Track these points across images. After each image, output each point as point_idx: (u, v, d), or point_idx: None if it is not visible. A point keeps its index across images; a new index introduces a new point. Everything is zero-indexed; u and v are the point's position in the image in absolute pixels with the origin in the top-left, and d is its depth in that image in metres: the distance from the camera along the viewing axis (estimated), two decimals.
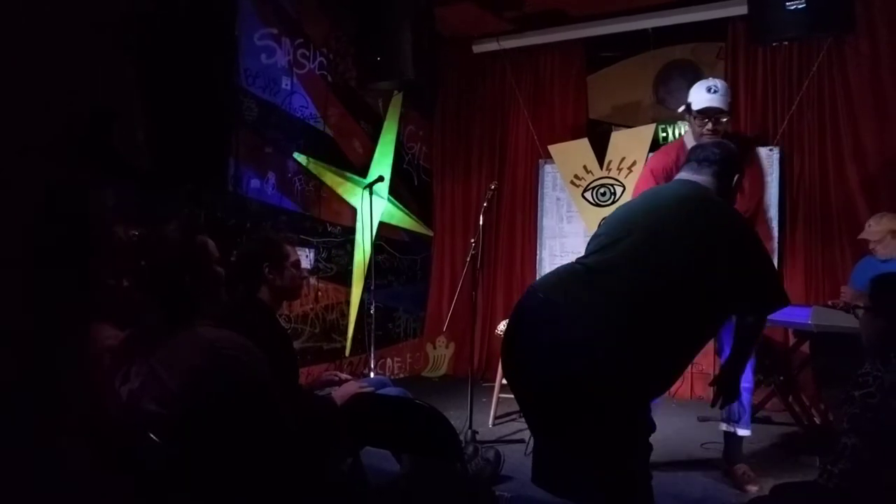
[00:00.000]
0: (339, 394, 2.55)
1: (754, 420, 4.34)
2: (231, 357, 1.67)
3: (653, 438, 4.07)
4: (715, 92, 3.10)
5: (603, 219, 2.47)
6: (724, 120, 3.15)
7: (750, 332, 2.29)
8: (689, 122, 3.23)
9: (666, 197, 2.21)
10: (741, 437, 3.28)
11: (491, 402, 4.33)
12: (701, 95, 3.12)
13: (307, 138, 5.15)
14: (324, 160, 5.26)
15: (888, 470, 1.82)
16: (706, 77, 5.35)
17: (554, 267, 2.31)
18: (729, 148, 2.33)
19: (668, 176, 2.99)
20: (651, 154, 3.37)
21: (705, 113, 3.10)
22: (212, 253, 1.87)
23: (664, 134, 5.39)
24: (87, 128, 3.55)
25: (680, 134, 5.29)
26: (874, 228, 3.94)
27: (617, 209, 2.28)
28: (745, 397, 3.17)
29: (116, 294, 1.99)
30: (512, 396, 4.53)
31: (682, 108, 3.26)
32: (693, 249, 1.97)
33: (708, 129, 3.09)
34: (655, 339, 1.89)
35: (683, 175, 2.28)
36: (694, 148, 2.39)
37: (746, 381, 3.09)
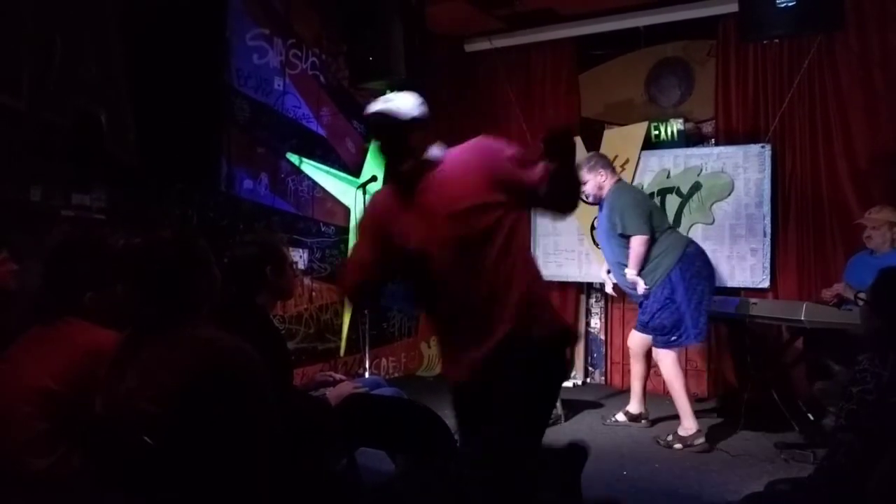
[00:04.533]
0: (334, 394, 2.55)
1: (748, 416, 4.37)
2: (228, 359, 1.66)
3: (649, 435, 4.15)
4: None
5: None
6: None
7: None
8: None
9: None
10: None
11: None
12: None
13: (300, 138, 5.13)
14: (317, 160, 5.25)
15: (883, 465, 1.82)
16: (696, 75, 5.41)
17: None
18: None
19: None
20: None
21: None
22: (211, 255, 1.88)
23: (656, 132, 5.40)
24: (78, 129, 3.53)
25: (672, 132, 5.32)
26: (874, 216, 3.99)
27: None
28: None
29: (115, 296, 1.99)
30: None
31: None
32: None
33: None
34: None
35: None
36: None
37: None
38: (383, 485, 2.70)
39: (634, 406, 4.32)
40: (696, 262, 3.96)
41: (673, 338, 3.94)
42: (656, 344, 4.02)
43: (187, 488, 1.61)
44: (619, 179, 4.24)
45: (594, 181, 4.05)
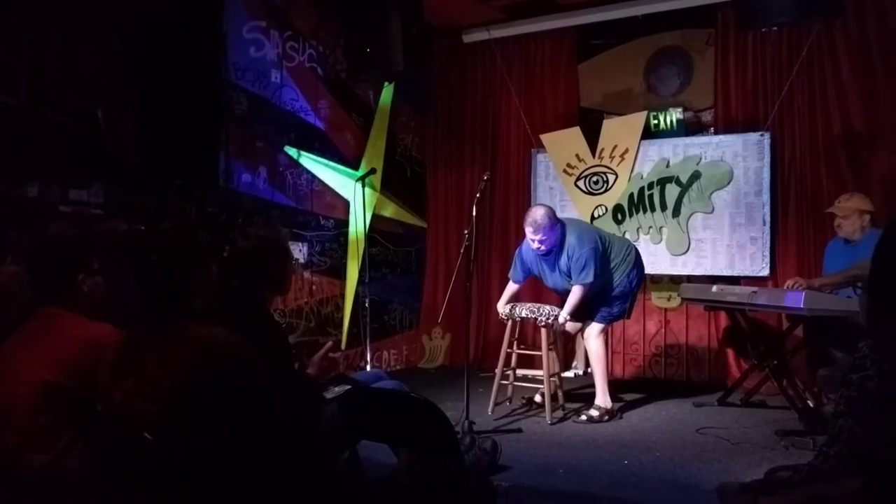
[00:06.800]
0: (314, 369, 2.56)
1: (749, 404, 4.39)
2: (225, 354, 1.67)
3: (650, 424, 4.18)
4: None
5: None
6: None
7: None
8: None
9: None
10: None
11: (490, 391, 4.34)
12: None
13: (298, 131, 5.12)
14: (315, 153, 5.24)
15: (883, 452, 1.83)
16: (696, 64, 5.39)
17: None
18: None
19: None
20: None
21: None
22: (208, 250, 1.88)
23: (655, 121, 5.39)
24: (75, 126, 3.53)
25: (671, 121, 5.32)
26: (843, 204, 4.06)
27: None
28: None
29: (113, 292, 2.00)
30: (511, 383, 4.54)
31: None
32: None
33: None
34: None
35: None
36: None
37: None
38: (385, 478, 2.71)
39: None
40: (640, 261, 4.36)
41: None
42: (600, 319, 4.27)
43: (188, 484, 1.62)
44: (562, 222, 4.23)
45: (555, 235, 4.10)
